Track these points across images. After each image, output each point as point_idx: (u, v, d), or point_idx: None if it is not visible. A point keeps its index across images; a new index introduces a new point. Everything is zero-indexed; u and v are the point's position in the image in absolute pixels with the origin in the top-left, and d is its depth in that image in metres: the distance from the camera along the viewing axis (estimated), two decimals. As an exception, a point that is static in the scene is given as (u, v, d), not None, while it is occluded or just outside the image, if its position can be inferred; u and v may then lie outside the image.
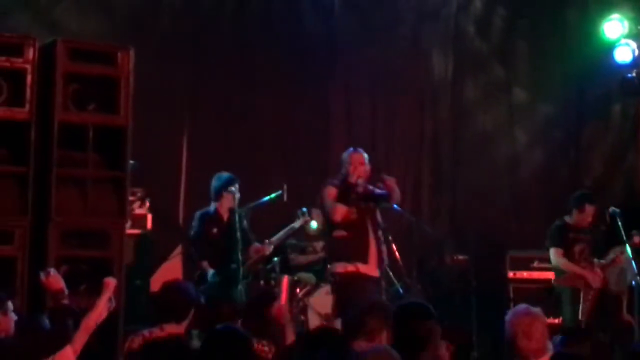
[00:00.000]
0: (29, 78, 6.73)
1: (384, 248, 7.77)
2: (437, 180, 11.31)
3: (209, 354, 4.26)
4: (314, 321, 8.82)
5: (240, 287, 7.91)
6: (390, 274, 8.85)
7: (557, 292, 8.41)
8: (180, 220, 9.91)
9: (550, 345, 5.20)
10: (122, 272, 6.84)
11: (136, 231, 8.80)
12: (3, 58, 6.70)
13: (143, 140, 8.01)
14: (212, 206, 8.48)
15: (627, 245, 8.31)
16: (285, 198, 8.92)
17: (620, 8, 10.42)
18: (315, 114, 10.96)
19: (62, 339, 5.18)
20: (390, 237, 8.54)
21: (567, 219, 8.67)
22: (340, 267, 7.50)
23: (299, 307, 8.98)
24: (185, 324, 5.48)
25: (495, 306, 9.86)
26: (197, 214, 8.54)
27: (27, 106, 6.72)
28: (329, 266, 9.16)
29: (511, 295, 9.86)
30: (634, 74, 10.17)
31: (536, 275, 9.60)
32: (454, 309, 9.71)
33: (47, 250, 6.70)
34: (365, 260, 7.49)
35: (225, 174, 8.46)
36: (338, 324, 6.78)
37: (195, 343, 5.67)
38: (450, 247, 10.09)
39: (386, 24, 11.21)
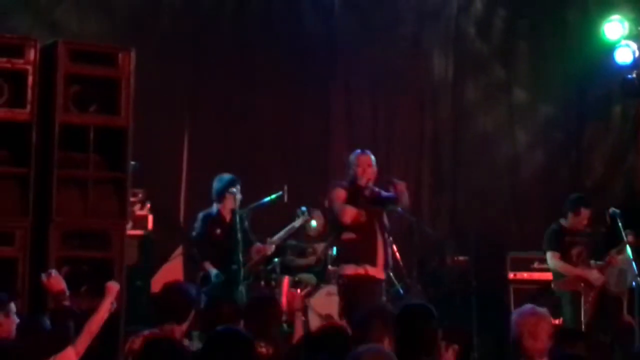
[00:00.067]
0: (30, 79, 6.73)
1: (389, 250, 7.79)
2: (438, 180, 11.31)
3: (210, 355, 4.25)
4: (314, 322, 8.82)
5: (241, 288, 7.91)
6: (391, 274, 8.85)
7: (557, 296, 8.40)
8: (181, 221, 9.91)
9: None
10: (123, 273, 6.85)
11: (139, 232, 8.81)
12: (4, 59, 6.70)
13: (144, 141, 8.01)
14: (215, 207, 8.49)
15: (628, 246, 8.30)
16: (285, 199, 8.91)
17: (621, 9, 10.42)
18: (315, 114, 10.97)
19: (63, 340, 5.18)
20: (390, 238, 8.53)
21: (563, 222, 8.67)
22: (349, 270, 7.48)
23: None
24: (185, 325, 5.48)
25: (495, 307, 9.88)
26: (200, 215, 8.55)
27: (28, 107, 6.72)
28: (334, 268, 9.22)
29: (511, 296, 9.87)
30: (634, 75, 10.16)
31: (536, 276, 9.60)
32: (455, 309, 9.71)
33: (48, 251, 6.70)
34: (373, 263, 7.48)
35: (226, 176, 8.47)
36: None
37: (197, 344, 5.67)
38: (451, 248, 10.09)
39: (386, 25, 11.20)
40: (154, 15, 10.19)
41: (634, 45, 10.22)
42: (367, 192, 7.55)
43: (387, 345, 4.71)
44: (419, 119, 11.41)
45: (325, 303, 8.86)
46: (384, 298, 7.76)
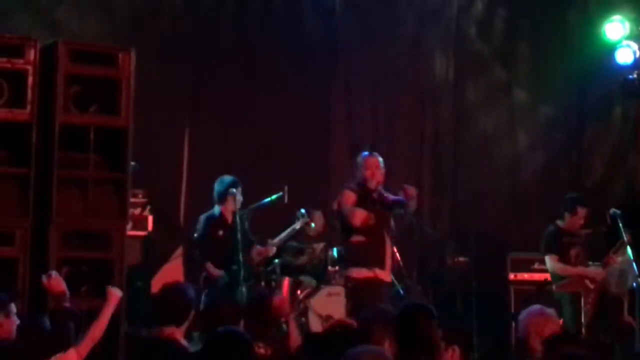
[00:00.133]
0: (30, 79, 6.73)
1: (395, 253, 7.79)
2: (438, 181, 11.31)
3: (210, 356, 4.25)
4: (314, 323, 8.81)
5: (242, 288, 7.91)
6: (391, 275, 8.84)
7: (557, 298, 8.39)
8: (181, 222, 9.90)
9: None
10: (123, 274, 6.85)
11: (142, 233, 8.81)
12: (4, 59, 6.70)
13: (144, 141, 8.01)
14: (217, 209, 8.52)
15: (628, 247, 8.29)
16: (286, 199, 8.91)
17: (622, 9, 10.40)
18: (315, 114, 10.96)
19: (63, 341, 5.18)
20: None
21: (560, 223, 8.66)
22: (357, 273, 7.46)
23: (299, 309, 8.98)
24: (185, 326, 5.47)
25: (495, 308, 9.88)
26: (203, 217, 8.57)
27: (28, 107, 6.72)
28: (333, 269, 9.23)
29: (512, 296, 9.87)
30: (635, 76, 10.15)
31: (537, 276, 9.58)
32: (455, 310, 9.71)
33: (48, 251, 6.70)
34: (382, 266, 7.48)
35: (227, 178, 8.50)
36: None
37: (197, 345, 5.66)
38: (451, 248, 10.09)
39: (387, 25, 11.20)
40: (154, 15, 10.19)
41: (634, 46, 10.21)
42: (375, 195, 7.53)
43: (387, 347, 4.70)
44: (419, 119, 11.41)
45: (326, 304, 8.85)
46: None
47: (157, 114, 9.44)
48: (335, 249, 9.36)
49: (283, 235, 9.03)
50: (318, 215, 9.86)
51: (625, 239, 8.30)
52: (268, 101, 10.51)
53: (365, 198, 7.47)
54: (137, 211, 8.69)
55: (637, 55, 10.20)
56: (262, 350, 5.35)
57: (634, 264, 8.15)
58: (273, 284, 8.97)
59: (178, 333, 5.36)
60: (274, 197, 8.91)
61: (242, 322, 5.89)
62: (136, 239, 8.59)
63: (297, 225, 9.10)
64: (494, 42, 11.52)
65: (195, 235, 8.57)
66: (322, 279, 9.37)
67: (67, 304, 5.56)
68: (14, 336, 5.32)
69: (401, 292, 9.22)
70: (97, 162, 6.97)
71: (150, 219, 8.98)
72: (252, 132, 10.32)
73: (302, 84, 10.77)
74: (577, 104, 11.45)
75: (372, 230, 7.50)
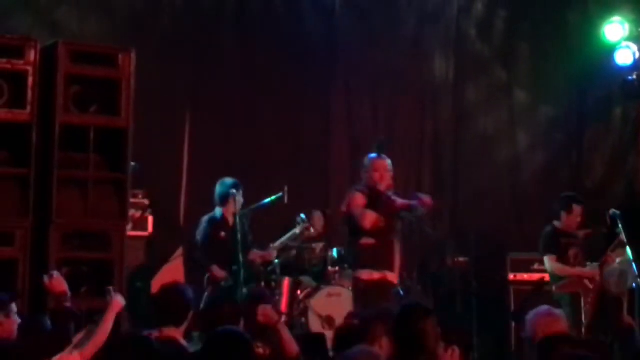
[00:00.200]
0: (30, 80, 6.75)
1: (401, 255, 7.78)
2: (438, 181, 11.30)
3: (210, 356, 4.25)
4: (314, 323, 8.82)
5: (244, 289, 7.91)
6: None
7: (557, 299, 8.38)
8: (181, 222, 9.90)
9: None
10: (124, 274, 6.86)
11: (144, 233, 8.81)
12: (4, 60, 6.72)
13: (144, 141, 8.02)
14: (218, 211, 8.55)
15: (628, 248, 8.28)
16: (286, 200, 8.92)
17: (621, 10, 10.40)
18: (315, 114, 10.96)
19: (64, 341, 5.19)
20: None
21: (557, 224, 8.65)
22: (366, 275, 7.45)
23: (299, 309, 8.99)
24: (184, 326, 5.47)
25: (495, 308, 9.88)
26: (204, 218, 8.60)
27: (29, 108, 6.73)
28: (333, 269, 9.23)
29: (511, 297, 9.87)
30: (634, 77, 10.14)
31: (537, 277, 9.58)
32: (455, 310, 9.72)
33: (48, 252, 6.72)
34: (391, 268, 7.47)
35: (229, 180, 8.53)
36: None
37: (197, 345, 5.67)
38: (451, 249, 10.08)
39: (387, 25, 11.20)
40: (154, 15, 10.19)
41: (634, 47, 10.20)
42: (385, 199, 7.49)
43: (384, 345, 4.69)
44: (419, 119, 11.41)
45: (326, 304, 8.86)
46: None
47: (157, 114, 9.44)
48: (335, 249, 9.38)
49: (284, 239, 9.07)
50: (318, 215, 9.88)
51: (624, 238, 8.28)
52: (268, 101, 10.51)
53: (374, 201, 7.43)
54: (138, 214, 8.68)
55: (637, 57, 10.20)
56: (260, 350, 5.34)
57: (634, 265, 8.14)
58: (273, 284, 8.98)
59: (177, 333, 5.36)
60: (274, 197, 8.92)
61: (242, 322, 5.88)
62: (139, 240, 8.59)
63: (298, 230, 9.16)
64: (494, 43, 11.52)
65: (198, 237, 8.58)
66: (322, 279, 9.37)
67: (68, 304, 5.57)
68: (15, 336, 5.32)
69: (401, 292, 9.22)
70: (97, 162, 6.98)
71: (150, 219, 8.99)
72: (252, 132, 10.32)
73: (302, 84, 10.77)
74: (577, 105, 11.45)
75: (382, 233, 7.47)
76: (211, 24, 10.45)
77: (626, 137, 11.10)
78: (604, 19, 10.44)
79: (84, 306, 5.97)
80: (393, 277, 7.51)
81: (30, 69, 6.76)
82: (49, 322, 5.53)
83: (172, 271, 8.96)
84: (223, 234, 8.43)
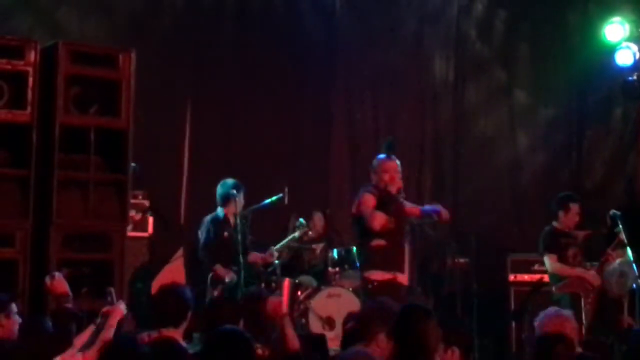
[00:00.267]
0: (30, 81, 6.76)
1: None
2: (438, 182, 11.30)
3: (211, 355, 4.25)
4: (314, 324, 8.81)
5: (245, 290, 7.92)
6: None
7: (557, 299, 8.38)
8: (182, 223, 9.89)
9: (578, 349, 5.30)
10: (124, 275, 6.86)
11: (144, 234, 8.81)
12: (4, 61, 6.73)
13: (144, 142, 8.02)
14: (221, 211, 8.55)
15: (628, 248, 8.28)
16: (286, 201, 8.92)
17: (622, 11, 10.39)
18: (316, 115, 10.95)
19: (65, 342, 5.19)
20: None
21: (555, 224, 8.64)
22: (376, 275, 7.42)
23: (300, 310, 8.97)
24: (183, 327, 5.46)
25: (496, 309, 9.88)
26: (208, 218, 8.61)
27: (29, 109, 6.74)
28: (334, 270, 9.23)
29: (512, 298, 9.87)
30: (635, 77, 10.14)
31: (537, 278, 9.56)
32: (455, 311, 9.71)
33: (49, 253, 6.73)
34: (402, 270, 7.46)
35: (230, 180, 8.55)
36: None
37: (197, 346, 5.67)
38: (452, 250, 10.07)
39: (387, 26, 11.20)
40: (154, 16, 10.18)
41: (634, 47, 10.19)
42: (395, 202, 7.47)
43: (381, 341, 4.67)
44: (419, 120, 11.40)
45: (326, 305, 8.85)
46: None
47: (157, 115, 9.44)
48: (335, 250, 9.37)
49: (283, 243, 9.11)
50: (318, 216, 9.88)
51: (624, 239, 8.28)
52: (268, 102, 10.50)
53: (384, 202, 7.40)
54: (138, 216, 8.68)
55: (637, 57, 10.19)
56: (259, 351, 5.34)
57: (634, 265, 8.14)
58: (273, 285, 8.97)
59: (177, 334, 5.36)
60: (274, 198, 8.92)
61: (241, 322, 5.89)
62: (139, 241, 8.59)
63: (297, 234, 9.19)
64: (494, 44, 11.52)
65: (201, 237, 8.58)
66: (323, 280, 9.37)
67: (69, 305, 5.57)
68: (16, 336, 5.32)
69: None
70: (97, 163, 6.99)
71: (150, 220, 8.98)
72: (252, 132, 10.32)
73: (302, 85, 10.77)
74: (577, 105, 11.45)
75: (392, 235, 7.44)
76: (211, 24, 10.44)
77: (626, 138, 11.10)
78: (604, 19, 10.44)
79: (84, 307, 5.96)
80: (403, 278, 7.49)
81: (30, 69, 6.77)
82: (50, 323, 5.53)
83: (173, 272, 8.94)
84: (226, 233, 8.46)
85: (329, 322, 8.71)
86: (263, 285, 8.85)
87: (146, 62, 7.73)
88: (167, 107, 9.85)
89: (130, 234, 7.67)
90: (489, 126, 11.45)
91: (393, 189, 7.45)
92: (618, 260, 8.47)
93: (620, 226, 8.17)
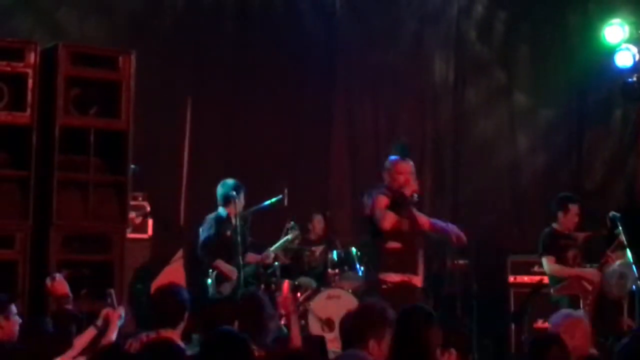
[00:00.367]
0: (30, 82, 6.77)
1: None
2: (439, 184, 11.29)
3: (209, 355, 4.25)
4: (314, 326, 8.82)
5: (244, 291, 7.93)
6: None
7: (556, 301, 8.39)
8: (182, 224, 9.90)
9: (593, 350, 5.33)
10: (124, 276, 6.87)
11: (144, 236, 8.82)
12: (4, 62, 6.74)
13: (144, 143, 8.02)
14: (223, 211, 8.56)
15: (628, 250, 8.28)
16: (286, 202, 8.93)
17: (621, 13, 10.38)
18: (316, 116, 10.95)
19: (65, 343, 5.20)
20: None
21: (555, 225, 8.62)
22: (391, 277, 7.40)
23: (299, 312, 8.97)
24: (180, 327, 5.46)
25: (495, 310, 9.88)
26: (212, 216, 8.61)
27: (29, 110, 6.75)
28: (333, 271, 9.23)
29: (512, 299, 9.88)
30: (634, 79, 10.14)
31: (537, 279, 9.57)
32: (455, 312, 9.72)
33: (48, 254, 6.73)
34: (416, 272, 7.45)
35: (230, 181, 8.56)
36: None
37: (196, 347, 5.67)
38: (451, 251, 10.07)
39: (387, 27, 11.20)
40: (154, 16, 10.18)
41: (634, 49, 10.18)
42: (409, 209, 7.45)
43: (371, 347, 4.64)
44: (419, 121, 11.40)
45: (325, 306, 8.85)
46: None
47: (157, 115, 9.45)
48: (335, 252, 9.38)
49: (278, 245, 9.12)
50: (318, 219, 9.90)
51: (624, 240, 8.28)
52: (268, 102, 10.51)
53: (397, 204, 7.36)
54: (139, 219, 8.68)
55: (637, 59, 10.18)
56: (255, 353, 5.33)
57: (634, 267, 8.14)
58: (273, 286, 8.98)
59: (174, 335, 5.36)
60: (273, 199, 8.93)
61: (236, 323, 5.88)
62: (139, 242, 8.60)
63: (290, 237, 9.19)
64: (494, 45, 11.51)
65: (203, 234, 8.57)
66: (322, 281, 9.37)
67: (70, 307, 5.58)
68: (16, 337, 5.32)
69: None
70: (97, 164, 7.00)
71: (150, 222, 8.99)
72: (252, 132, 10.32)
73: (302, 85, 10.77)
74: (577, 107, 11.44)
75: (407, 237, 7.42)
76: (211, 24, 10.44)
77: (626, 139, 11.09)
78: (604, 21, 10.43)
79: (84, 308, 5.97)
80: (418, 280, 7.48)
81: (30, 71, 6.78)
82: (50, 324, 5.54)
83: (173, 273, 8.94)
84: (228, 232, 8.46)
85: (328, 324, 8.72)
86: (263, 286, 8.87)
87: (146, 62, 7.73)
88: (167, 107, 9.85)
89: (130, 235, 7.68)
90: (488, 127, 11.45)
91: (408, 191, 7.40)
92: (618, 262, 8.47)
93: (620, 228, 8.17)
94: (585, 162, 11.38)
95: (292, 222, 9.25)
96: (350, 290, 9.00)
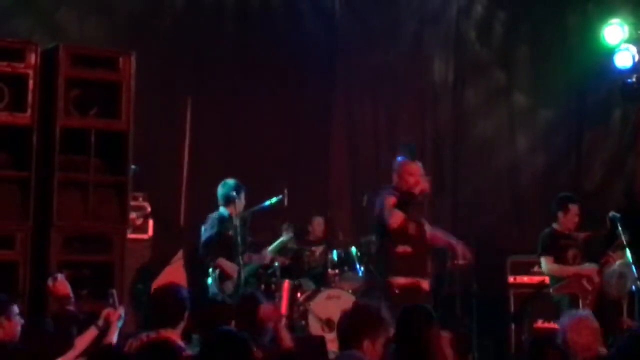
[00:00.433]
0: (30, 83, 6.77)
1: None
2: (438, 184, 11.27)
3: (210, 355, 4.26)
4: (314, 326, 8.82)
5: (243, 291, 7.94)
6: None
7: (556, 301, 8.39)
8: (182, 224, 9.90)
9: (602, 349, 5.38)
10: (124, 277, 6.87)
11: (144, 236, 8.82)
12: (5, 63, 6.74)
13: (144, 144, 8.03)
14: (225, 210, 8.56)
15: (628, 250, 8.29)
16: (285, 202, 8.93)
17: (621, 13, 10.39)
18: (316, 117, 10.96)
19: (66, 344, 5.20)
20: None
21: (555, 225, 8.62)
22: (402, 280, 7.41)
23: (299, 312, 8.99)
24: (180, 327, 5.47)
25: (495, 310, 9.88)
26: (214, 215, 8.62)
27: (29, 111, 6.75)
28: (333, 272, 9.24)
29: (511, 300, 9.88)
30: (634, 79, 10.16)
31: (536, 280, 9.58)
32: (455, 313, 9.72)
33: (49, 254, 6.73)
34: (424, 276, 7.46)
35: (231, 181, 8.56)
36: None
37: (196, 347, 5.68)
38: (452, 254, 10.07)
39: (387, 28, 11.20)
40: (154, 16, 10.19)
41: (633, 49, 10.19)
42: (416, 221, 7.46)
43: (365, 347, 4.64)
44: (419, 121, 11.41)
45: (325, 307, 8.85)
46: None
47: (157, 116, 9.46)
48: (335, 252, 9.39)
49: (273, 246, 9.13)
50: (318, 220, 9.91)
51: (623, 241, 8.28)
52: (268, 102, 10.52)
53: (405, 204, 7.36)
54: (140, 221, 8.69)
55: (636, 59, 10.19)
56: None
57: (633, 267, 8.14)
58: (273, 286, 8.99)
59: (174, 334, 5.37)
60: (273, 199, 8.94)
61: (232, 323, 5.89)
62: (139, 242, 8.61)
63: (285, 238, 9.21)
64: (494, 45, 11.52)
65: (206, 233, 8.57)
66: (322, 281, 9.38)
67: (71, 307, 5.58)
68: (18, 338, 5.33)
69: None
70: (97, 165, 7.00)
71: (150, 222, 8.99)
72: (252, 132, 10.33)
73: (303, 86, 10.78)
74: (576, 107, 11.45)
75: (416, 241, 7.44)
76: (211, 25, 10.45)
77: (625, 140, 11.10)
78: (604, 21, 10.44)
79: (85, 309, 5.98)
80: (426, 284, 7.49)
81: (30, 72, 6.78)
82: (51, 325, 5.54)
83: (173, 273, 8.95)
84: (231, 232, 8.47)
85: (328, 324, 8.72)
86: (263, 286, 8.88)
87: (146, 62, 7.73)
88: (167, 107, 9.86)
89: (131, 236, 7.68)
90: (488, 127, 11.46)
91: (416, 190, 7.40)
92: (617, 262, 8.48)
93: (620, 228, 8.18)
94: (585, 163, 11.38)
95: (285, 224, 9.28)
96: (350, 291, 9.02)
